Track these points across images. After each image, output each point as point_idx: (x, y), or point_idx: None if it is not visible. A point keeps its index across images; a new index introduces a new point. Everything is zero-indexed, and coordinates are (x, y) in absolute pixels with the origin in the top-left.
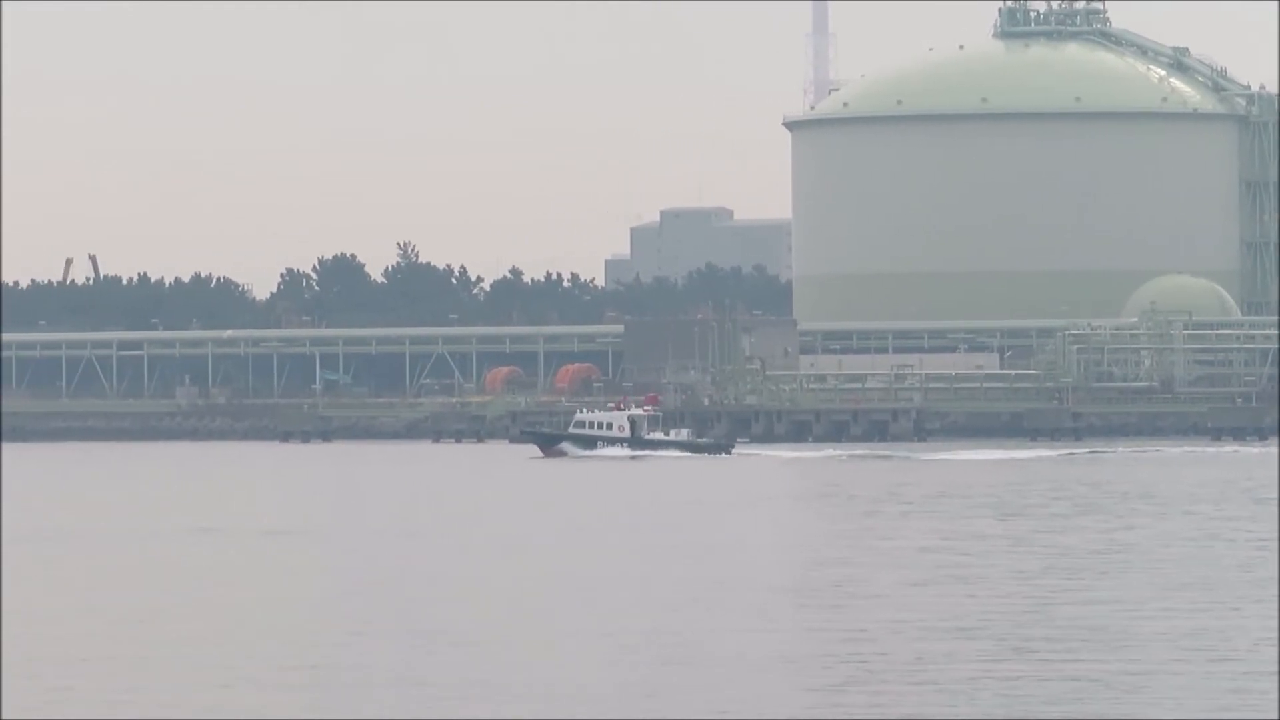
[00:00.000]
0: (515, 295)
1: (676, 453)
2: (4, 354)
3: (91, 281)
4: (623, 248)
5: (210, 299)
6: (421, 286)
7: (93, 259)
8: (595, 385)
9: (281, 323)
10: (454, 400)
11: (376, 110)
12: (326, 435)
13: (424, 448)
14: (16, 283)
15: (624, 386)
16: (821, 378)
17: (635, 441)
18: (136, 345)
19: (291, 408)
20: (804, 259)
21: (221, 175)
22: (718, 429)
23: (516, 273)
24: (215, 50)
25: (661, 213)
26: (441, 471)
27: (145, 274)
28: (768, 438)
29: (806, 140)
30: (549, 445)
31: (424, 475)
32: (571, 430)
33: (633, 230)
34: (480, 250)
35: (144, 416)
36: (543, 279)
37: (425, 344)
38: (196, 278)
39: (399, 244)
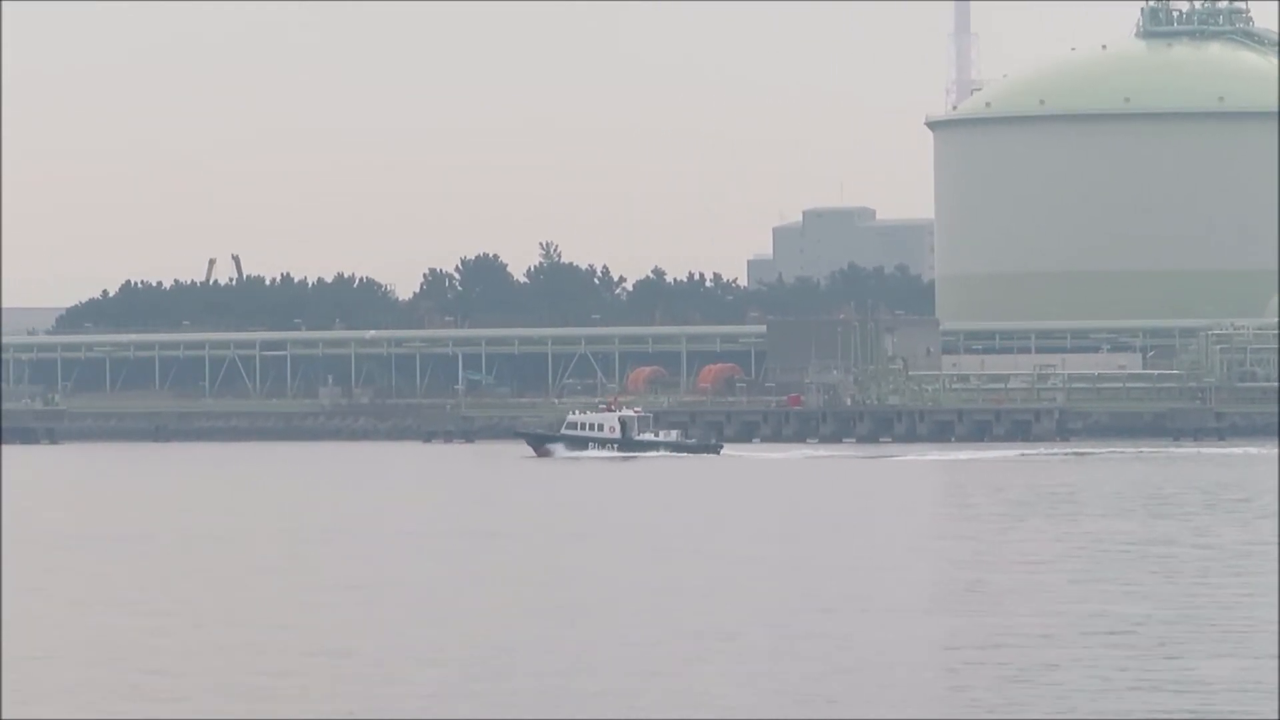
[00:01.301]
0: (658, 295)
1: (666, 453)
2: (144, 354)
3: (234, 282)
4: (765, 248)
5: (353, 299)
6: (564, 286)
7: (236, 259)
8: (738, 385)
9: (424, 323)
10: (596, 400)
11: (520, 108)
12: (469, 435)
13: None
14: (160, 283)
15: (766, 386)
16: (964, 377)
17: (626, 442)
18: (280, 345)
19: (434, 408)
20: (946, 259)
21: (363, 175)
22: (860, 429)
23: (659, 273)
24: (354, 48)
25: (804, 213)
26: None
27: (288, 274)
28: (910, 437)
29: (949, 140)
30: (540, 445)
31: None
32: (564, 431)
33: (775, 230)
34: (623, 250)
35: (287, 416)
36: (685, 279)
37: (568, 344)
38: (339, 278)
39: (541, 244)
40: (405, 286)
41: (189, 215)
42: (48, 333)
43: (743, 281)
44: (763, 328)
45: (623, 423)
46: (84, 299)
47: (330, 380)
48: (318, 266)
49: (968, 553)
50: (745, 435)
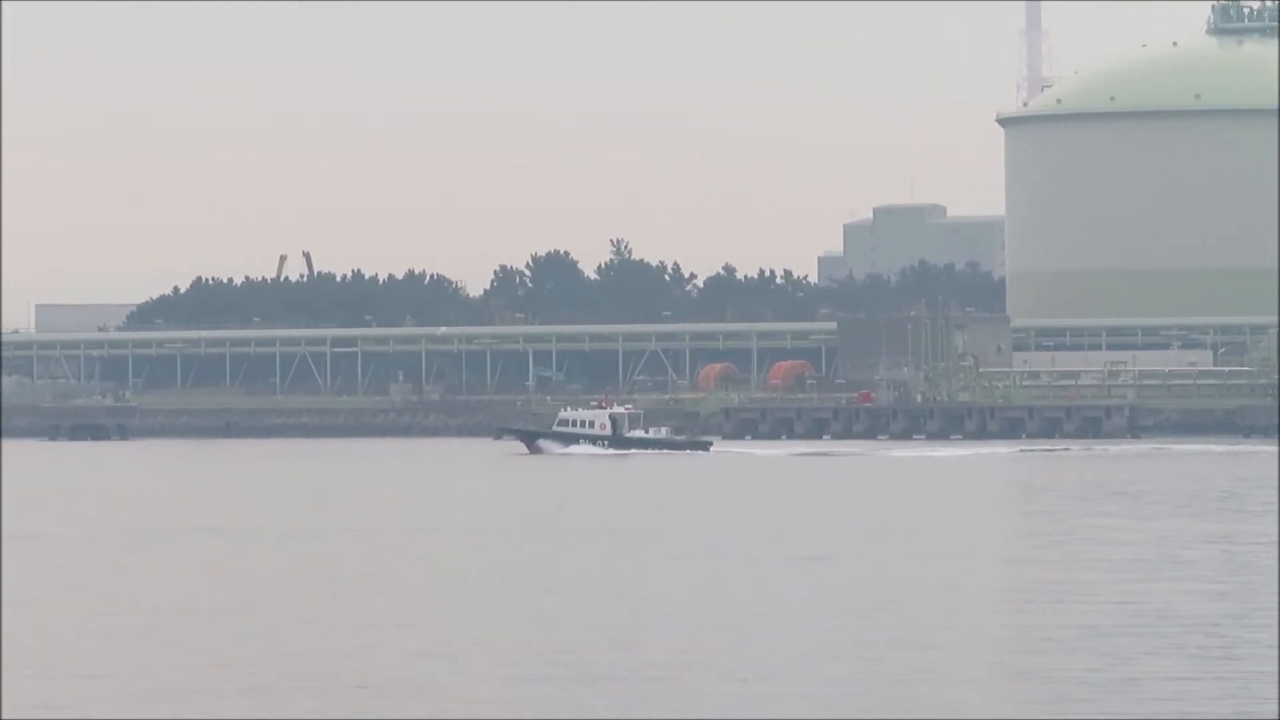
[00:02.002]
0: (728, 292)
1: (656, 450)
2: (215, 351)
3: (305, 278)
4: (836, 244)
5: (424, 296)
6: (635, 283)
7: (306, 256)
8: (808, 382)
9: (495, 319)
10: (667, 397)
11: (594, 106)
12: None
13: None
14: (231, 279)
15: (837, 383)
16: (1035, 374)
17: (616, 439)
18: (350, 342)
19: (504, 404)
20: (1017, 255)
21: (434, 171)
22: (930, 426)
23: (730, 269)
24: (427, 43)
25: (874, 209)
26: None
27: (359, 270)
28: (981, 434)
29: (1020, 137)
30: (531, 442)
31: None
32: (555, 428)
33: (846, 227)
34: (694, 247)
35: (358, 413)
36: (756, 276)
37: (638, 341)
38: (410, 274)
39: (612, 240)
40: (476, 283)
41: (260, 212)
42: (118, 329)
43: (813, 278)
44: (833, 325)
45: (613, 420)
46: (155, 295)
47: (401, 377)
48: (389, 263)
49: (1038, 550)
50: (815, 432)
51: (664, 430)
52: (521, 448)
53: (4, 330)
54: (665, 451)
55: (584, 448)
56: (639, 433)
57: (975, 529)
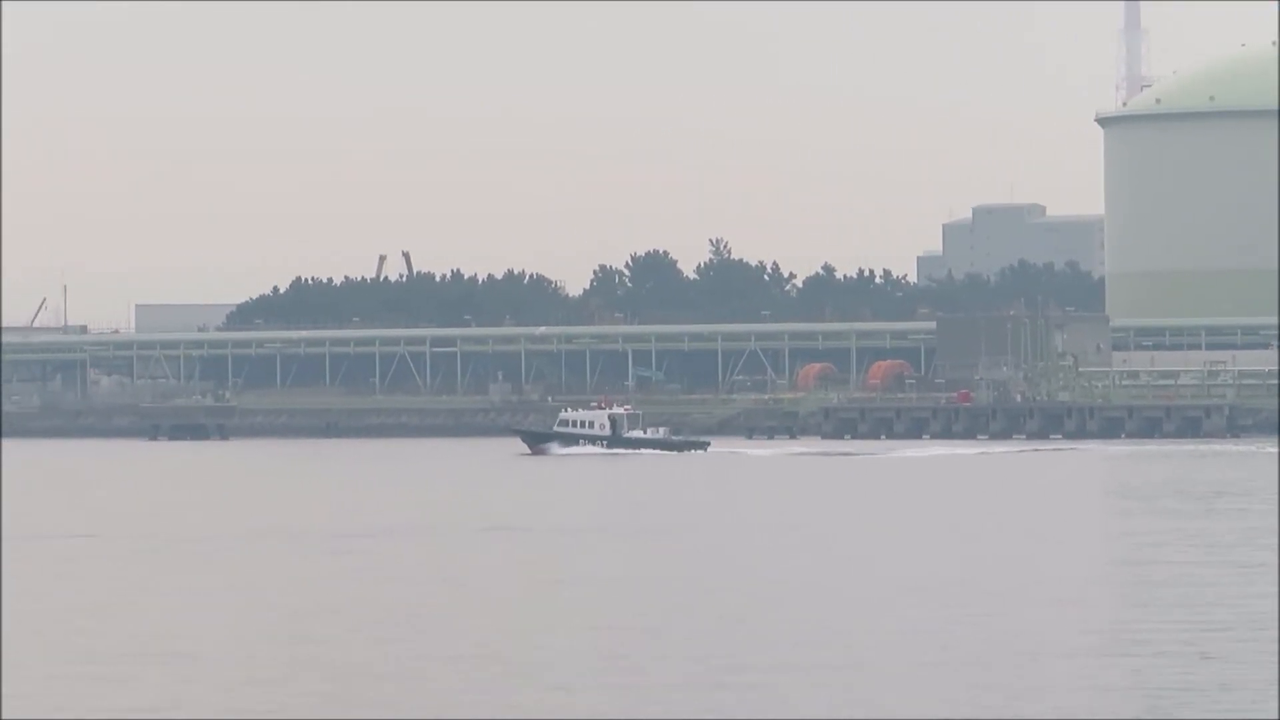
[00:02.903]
0: (828, 292)
1: (654, 450)
2: (314, 351)
3: (405, 278)
4: (935, 244)
5: (523, 295)
6: (734, 283)
7: (406, 255)
8: (908, 382)
9: (594, 319)
10: (766, 397)
11: (694, 106)
12: None
13: (735, 444)
14: (330, 279)
15: (936, 383)
16: (1134, 374)
17: (615, 439)
18: (450, 342)
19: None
20: (1116, 255)
21: (534, 171)
22: (1030, 425)
23: (829, 269)
24: (526, 43)
25: (974, 209)
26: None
27: (458, 270)
28: (1080, 434)
29: (1119, 136)
30: (536, 443)
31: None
32: (556, 429)
33: (945, 227)
34: (793, 247)
35: (457, 413)
36: (855, 275)
37: (738, 340)
38: (509, 274)
39: (711, 240)
40: (576, 283)
41: (360, 211)
42: (218, 329)
43: (912, 278)
44: (932, 324)
45: (612, 420)
46: (255, 295)
47: (500, 376)
48: (488, 263)
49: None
50: (914, 432)
51: (662, 431)
52: (525, 448)
53: (104, 330)
54: (663, 452)
55: (584, 448)
56: (637, 433)
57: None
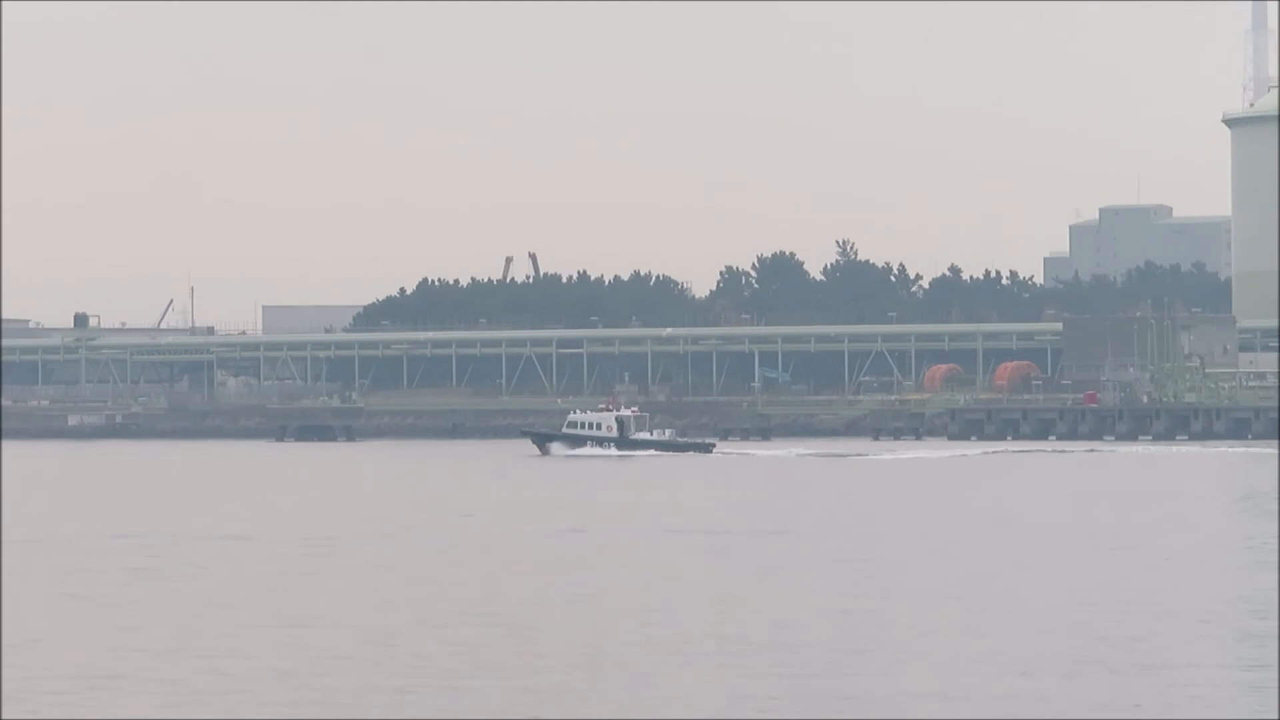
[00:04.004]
0: (954, 293)
1: (659, 451)
2: (441, 352)
3: (531, 279)
4: (1062, 245)
5: (650, 297)
6: (860, 284)
7: (533, 257)
8: (1034, 383)
9: (721, 320)
10: (893, 398)
11: (821, 108)
12: (765, 433)
13: (861, 444)
14: (457, 280)
15: (1062, 384)
16: (1261, 375)
17: (622, 441)
18: (576, 343)
19: (730, 405)
20: (1244, 256)
21: (660, 172)
22: (1157, 427)
23: (955, 270)
24: (652, 43)
25: (1100, 210)
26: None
27: (585, 272)
28: (1206, 435)
29: (1246, 137)
30: (543, 444)
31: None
32: (565, 430)
33: (1072, 228)
34: (919, 248)
35: None
36: (982, 276)
37: (864, 342)
38: (636, 275)
39: (838, 241)
40: (702, 284)
41: (487, 213)
42: (345, 330)
43: (1039, 279)
44: (1059, 325)
45: (619, 422)
46: (381, 297)
47: (627, 378)
48: (614, 264)
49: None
50: (1041, 433)
51: (668, 432)
52: (535, 449)
53: (231, 332)
54: (670, 453)
55: (591, 449)
56: (644, 435)
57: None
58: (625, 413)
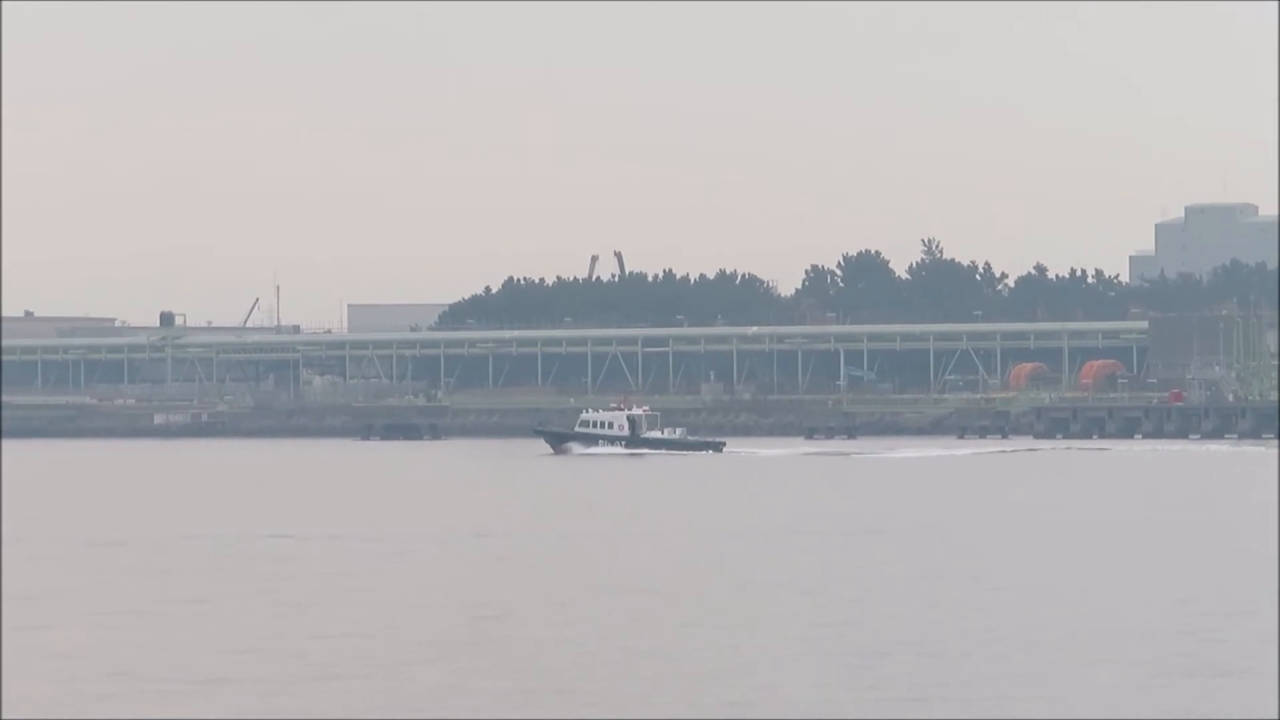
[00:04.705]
0: (1040, 291)
1: (670, 451)
2: (526, 351)
3: (617, 278)
4: (1147, 244)
5: (735, 295)
6: (946, 283)
7: (618, 256)
8: (1119, 381)
9: (806, 319)
10: (978, 397)
11: (905, 106)
12: (851, 432)
13: (948, 443)
14: (542, 279)
15: (1148, 383)
16: None
17: (634, 440)
18: (662, 342)
19: (816, 404)
20: None
21: (746, 172)
22: (1242, 425)
23: (1041, 269)
24: (740, 44)
25: (1186, 209)
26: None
27: (670, 270)
28: None
29: None
30: (557, 444)
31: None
32: (577, 429)
33: (1157, 226)
34: (1004, 246)
35: (669, 413)
36: (1067, 275)
37: (949, 340)
38: (721, 274)
39: (923, 240)
40: (787, 283)
41: (572, 211)
42: (431, 329)
43: (1124, 278)
44: (1144, 324)
45: (631, 421)
46: (467, 295)
47: (712, 376)
48: (700, 263)
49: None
50: (1127, 431)
51: (679, 431)
52: (549, 448)
53: (317, 330)
54: (681, 452)
55: (603, 448)
56: (655, 434)
57: None
58: (637, 412)
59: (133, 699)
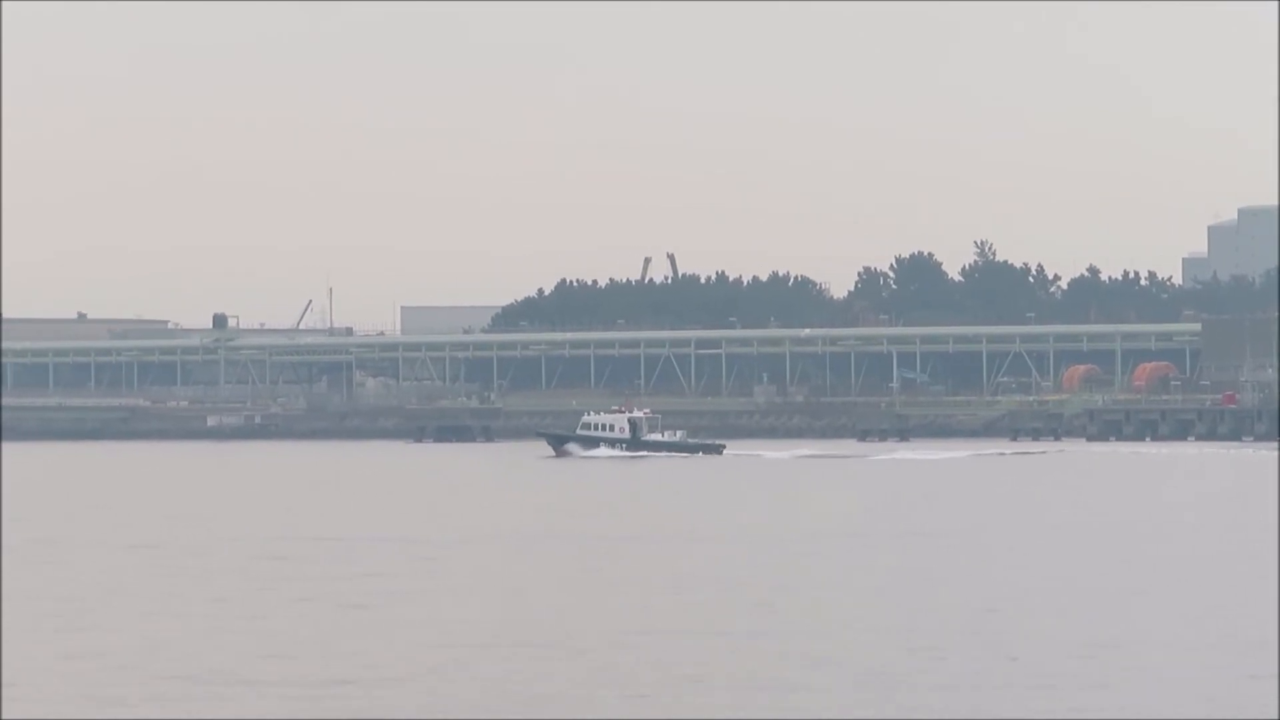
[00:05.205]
0: (1092, 293)
1: (670, 453)
2: (579, 353)
3: (669, 280)
4: (1200, 246)
5: (787, 297)
6: (998, 285)
7: (671, 257)
8: (1172, 383)
9: (859, 321)
10: (1031, 398)
11: (951, 106)
12: (903, 434)
13: (1000, 445)
14: (595, 281)
15: (1201, 385)
16: None
17: (634, 442)
18: (714, 344)
19: (868, 406)
20: None
21: (797, 174)
22: None
23: (1094, 271)
24: (789, 46)
25: (1239, 210)
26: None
27: (723, 272)
28: None
29: None
30: (559, 445)
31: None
32: (579, 431)
33: (1210, 228)
34: (1058, 248)
35: (721, 415)
36: (1120, 277)
37: (1002, 342)
38: (774, 276)
39: (976, 242)
40: (840, 285)
41: (625, 214)
42: (483, 331)
43: (1177, 280)
44: (1198, 326)
45: (632, 424)
46: (519, 297)
47: (765, 378)
48: (753, 264)
49: None
50: (1180, 433)
51: (679, 434)
52: (550, 450)
53: (370, 332)
54: (681, 454)
55: (604, 450)
56: (655, 436)
57: None
58: (637, 414)
59: (180, 701)
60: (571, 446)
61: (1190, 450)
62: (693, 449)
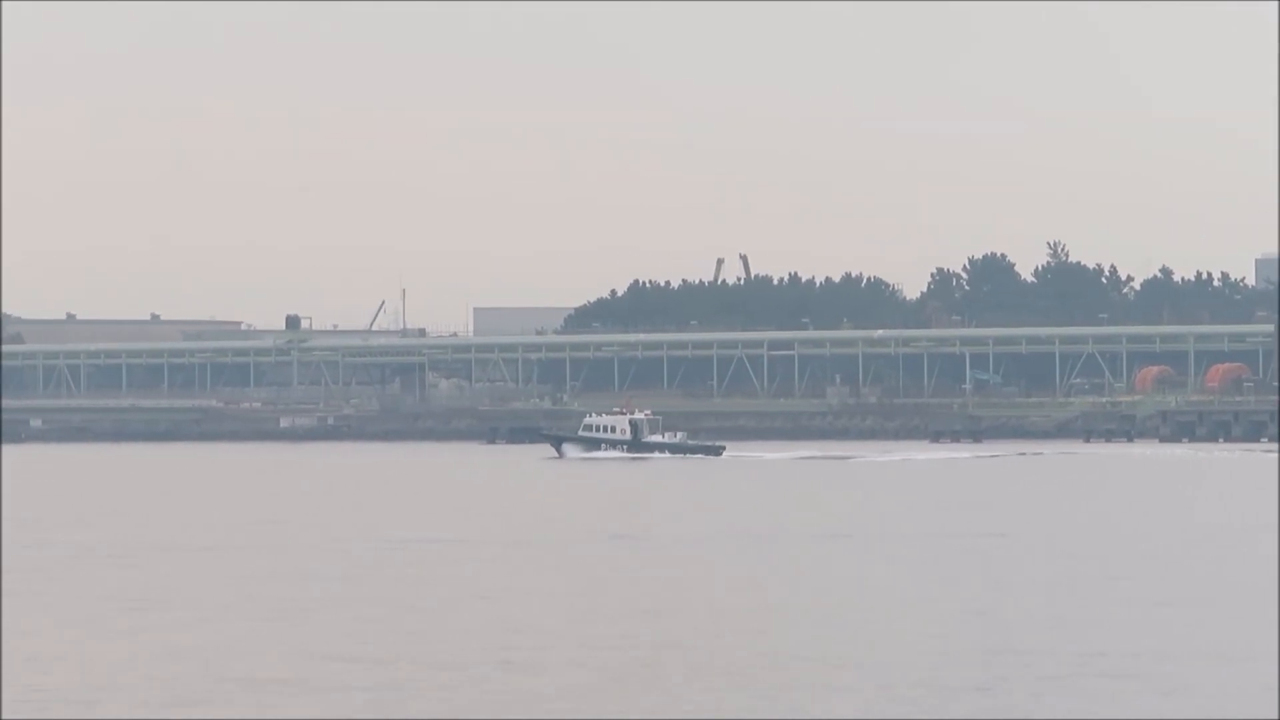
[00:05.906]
0: (1165, 294)
1: (672, 454)
2: (652, 354)
3: (743, 281)
4: (1273, 246)
5: (860, 298)
6: (1071, 285)
7: (744, 259)
8: (1245, 385)
9: (931, 322)
10: (1104, 400)
11: (1027, 108)
12: (977, 435)
13: (1073, 446)
14: (668, 282)
15: (1274, 386)
16: None
17: (635, 443)
18: (787, 345)
19: (941, 407)
20: None
21: (870, 175)
22: None
23: (1167, 272)
24: (862, 52)
25: None
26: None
27: (796, 274)
28: None
29: None
30: (559, 446)
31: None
32: (580, 433)
33: None
34: (1131, 249)
35: (794, 416)
36: (1193, 278)
37: (1075, 343)
38: (847, 277)
39: (1049, 243)
40: (913, 286)
41: (698, 214)
42: (556, 332)
43: (1250, 280)
44: (1271, 327)
45: (633, 425)
46: (592, 299)
47: (838, 379)
48: (825, 266)
49: None
50: (1253, 435)
51: (679, 435)
52: (553, 451)
53: (443, 333)
54: (682, 455)
55: (605, 452)
56: (656, 437)
57: None
58: (639, 416)
59: (244, 701)
60: (567, 448)
61: (1237, 455)
62: (693, 450)
